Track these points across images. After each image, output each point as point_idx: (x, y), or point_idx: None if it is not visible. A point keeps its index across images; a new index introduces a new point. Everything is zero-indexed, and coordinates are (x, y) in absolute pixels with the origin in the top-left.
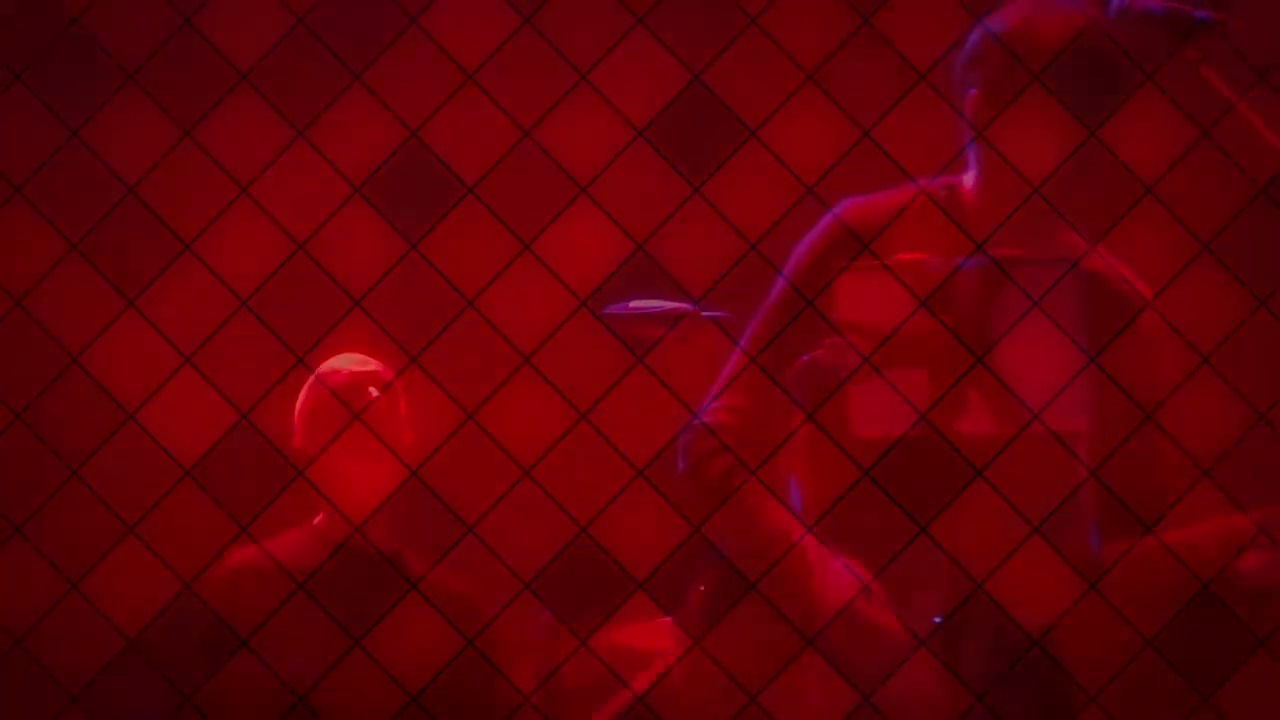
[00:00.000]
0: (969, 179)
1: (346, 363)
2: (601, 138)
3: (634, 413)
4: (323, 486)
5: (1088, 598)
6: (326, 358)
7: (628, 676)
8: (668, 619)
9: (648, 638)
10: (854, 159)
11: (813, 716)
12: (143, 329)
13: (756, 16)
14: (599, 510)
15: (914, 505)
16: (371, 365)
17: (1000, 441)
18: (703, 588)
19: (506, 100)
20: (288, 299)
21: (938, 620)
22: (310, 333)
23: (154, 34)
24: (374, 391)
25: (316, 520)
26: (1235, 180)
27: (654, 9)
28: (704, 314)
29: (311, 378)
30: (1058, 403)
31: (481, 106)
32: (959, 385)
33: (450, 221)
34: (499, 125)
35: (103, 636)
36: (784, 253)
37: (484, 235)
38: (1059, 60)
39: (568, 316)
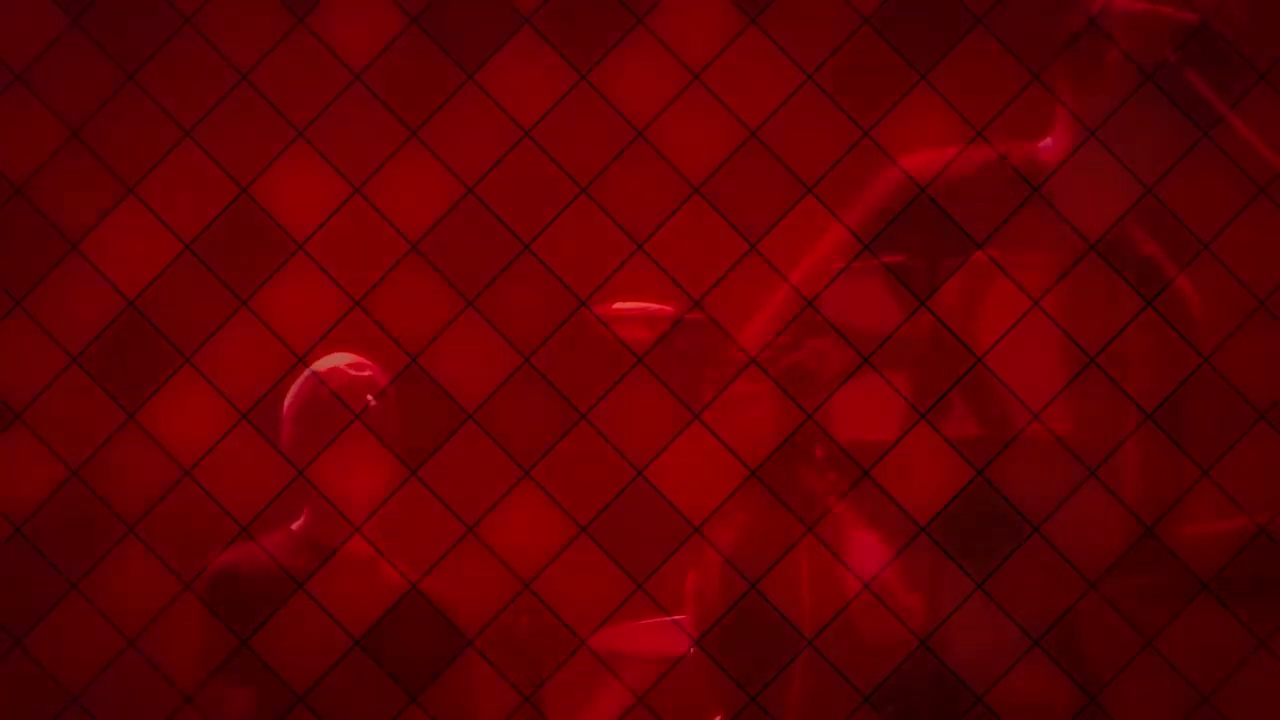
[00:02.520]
0: (1048, 143)
1: (341, 363)
2: (601, 138)
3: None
4: (310, 489)
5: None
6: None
7: (628, 676)
8: (668, 619)
9: (649, 638)
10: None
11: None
12: (142, 329)
13: (756, 16)
14: (598, 511)
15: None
16: (367, 370)
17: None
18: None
19: (506, 100)
20: (286, 297)
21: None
22: (311, 332)
23: (154, 34)
24: (371, 400)
25: (295, 526)
26: (1235, 180)
27: (654, 9)
28: (687, 316)
29: (303, 375)
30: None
31: (480, 107)
32: (938, 388)
33: (450, 221)
34: (498, 125)
35: (103, 636)
36: (784, 252)
37: (484, 236)
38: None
39: (568, 316)
